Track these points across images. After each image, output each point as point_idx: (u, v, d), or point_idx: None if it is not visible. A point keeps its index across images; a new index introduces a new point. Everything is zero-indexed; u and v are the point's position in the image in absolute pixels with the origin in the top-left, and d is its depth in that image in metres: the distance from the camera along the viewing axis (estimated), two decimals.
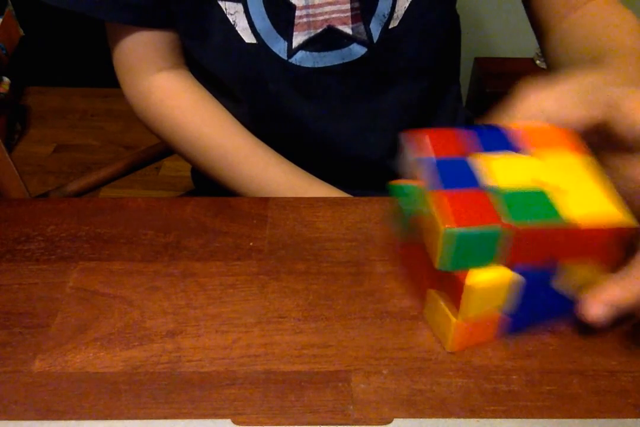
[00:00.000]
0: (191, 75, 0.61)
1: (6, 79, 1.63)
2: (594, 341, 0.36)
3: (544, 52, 0.59)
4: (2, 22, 1.64)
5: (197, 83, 0.61)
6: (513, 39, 1.54)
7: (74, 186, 0.79)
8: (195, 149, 0.59)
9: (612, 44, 0.47)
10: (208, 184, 0.62)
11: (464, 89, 1.60)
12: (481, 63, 1.56)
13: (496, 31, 1.54)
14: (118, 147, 1.66)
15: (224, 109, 0.60)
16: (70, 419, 0.32)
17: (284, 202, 0.46)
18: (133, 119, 0.62)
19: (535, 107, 0.35)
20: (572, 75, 0.36)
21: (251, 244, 0.42)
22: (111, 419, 0.32)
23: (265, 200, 0.46)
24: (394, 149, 0.62)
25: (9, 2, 1.69)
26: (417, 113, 0.62)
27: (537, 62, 1.52)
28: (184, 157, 0.61)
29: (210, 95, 0.60)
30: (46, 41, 1.77)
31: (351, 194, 0.56)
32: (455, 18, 0.65)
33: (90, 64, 1.51)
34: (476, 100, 1.59)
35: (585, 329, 0.36)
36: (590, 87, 0.35)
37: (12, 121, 1.71)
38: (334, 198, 0.47)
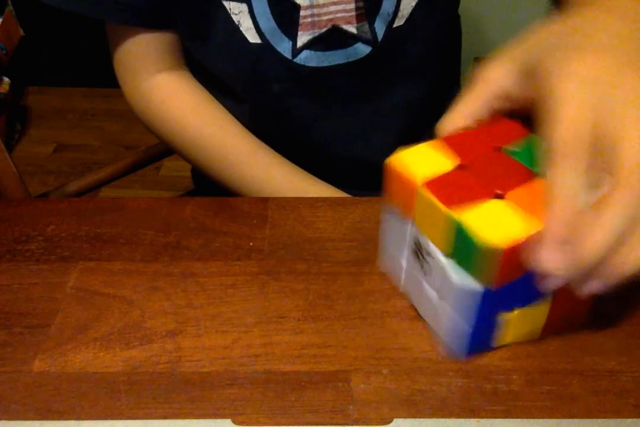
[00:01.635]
0: (192, 76, 0.61)
1: (6, 79, 1.63)
2: (594, 341, 0.36)
3: None
4: (2, 22, 1.64)
5: (198, 84, 0.61)
6: (513, 39, 1.55)
7: (74, 186, 0.79)
8: (196, 150, 0.59)
9: None
10: (208, 184, 0.62)
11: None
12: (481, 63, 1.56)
13: (496, 31, 1.54)
14: (118, 147, 1.66)
15: (224, 110, 0.60)
16: (70, 419, 0.32)
17: (284, 202, 0.46)
18: (133, 119, 0.62)
19: (494, 85, 0.35)
20: (517, 41, 0.35)
21: (251, 244, 0.42)
22: (111, 419, 0.32)
23: (265, 201, 0.46)
24: (396, 150, 0.62)
25: (9, 2, 1.69)
26: (420, 113, 0.62)
27: None
28: (185, 157, 0.61)
29: (211, 96, 0.60)
30: (46, 41, 1.76)
31: (352, 195, 0.56)
32: (456, 18, 0.66)
33: (90, 64, 1.51)
34: None
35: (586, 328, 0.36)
36: (527, 57, 0.34)
37: (12, 121, 1.71)
38: (334, 198, 0.47)
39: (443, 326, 0.35)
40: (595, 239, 0.28)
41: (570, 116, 0.29)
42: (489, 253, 0.29)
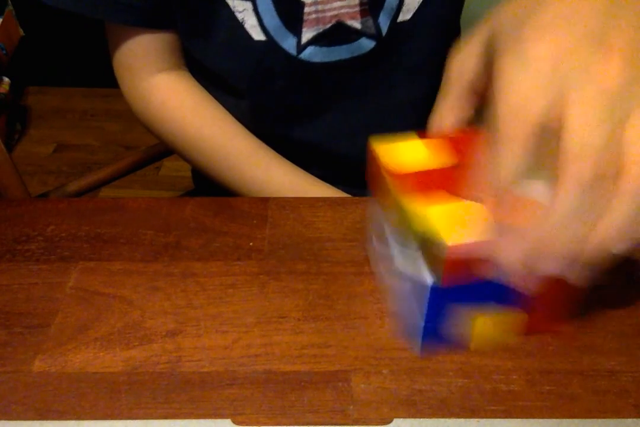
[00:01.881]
0: (191, 76, 0.61)
1: (6, 79, 1.63)
2: (594, 341, 0.36)
3: None
4: (2, 22, 1.64)
5: (198, 84, 0.61)
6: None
7: (74, 186, 0.79)
8: (196, 150, 0.59)
9: None
10: (208, 184, 0.62)
11: None
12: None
13: None
14: (118, 147, 1.66)
15: (224, 110, 0.60)
16: (70, 419, 0.32)
17: (284, 202, 0.46)
18: (133, 119, 0.62)
19: (465, 81, 0.34)
20: (482, 22, 0.33)
21: (251, 244, 0.42)
22: (111, 419, 0.32)
23: (265, 201, 0.46)
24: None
25: (9, 2, 1.69)
26: (424, 110, 0.62)
27: None
28: (184, 158, 0.61)
29: (211, 96, 0.60)
30: (46, 41, 1.77)
31: (352, 195, 0.56)
32: (458, 18, 0.66)
33: (90, 64, 1.51)
34: None
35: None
36: (487, 39, 0.32)
37: (12, 121, 1.71)
38: (334, 198, 0.47)
39: (401, 314, 0.36)
40: (546, 228, 0.27)
41: (513, 99, 0.27)
42: (438, 249, 0.29)
